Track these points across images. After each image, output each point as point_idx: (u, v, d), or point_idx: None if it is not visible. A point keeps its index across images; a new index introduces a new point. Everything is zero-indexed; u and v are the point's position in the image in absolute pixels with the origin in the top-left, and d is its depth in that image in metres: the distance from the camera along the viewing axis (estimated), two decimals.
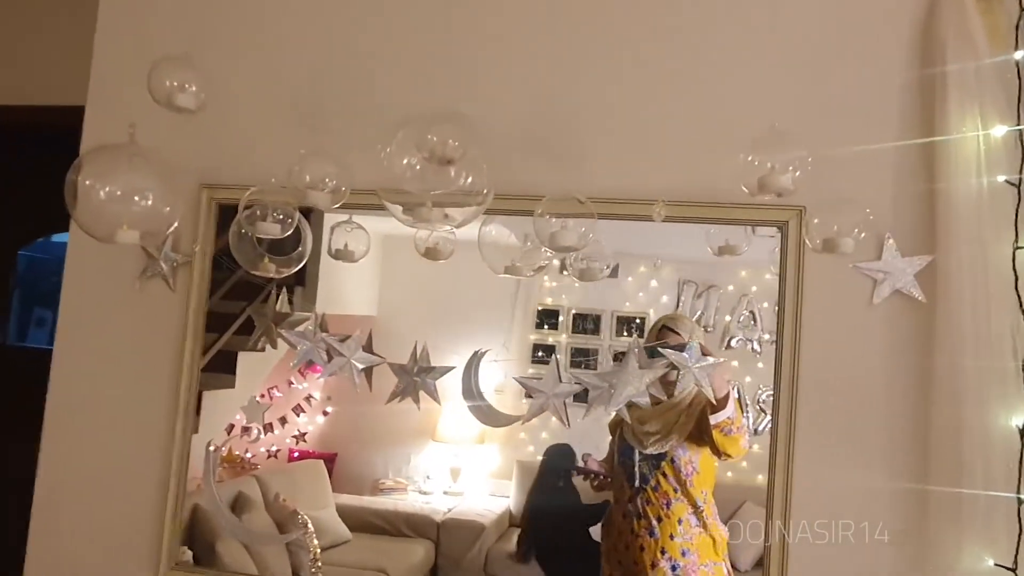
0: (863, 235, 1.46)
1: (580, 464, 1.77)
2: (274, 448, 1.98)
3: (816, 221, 1.48)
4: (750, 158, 1.41)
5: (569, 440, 1.78)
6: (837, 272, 1.61)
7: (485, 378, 1.79)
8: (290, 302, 1.86)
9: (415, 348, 1.68)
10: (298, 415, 1.99)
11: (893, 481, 1.57)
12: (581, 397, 1.57)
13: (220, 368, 1.93)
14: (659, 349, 1.51)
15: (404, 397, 1.68)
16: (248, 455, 1.94)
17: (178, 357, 1.89)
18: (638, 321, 1.79)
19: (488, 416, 1.76)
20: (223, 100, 1.66)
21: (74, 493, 1.95)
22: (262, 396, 1.93)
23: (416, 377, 1.67)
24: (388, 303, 1.94)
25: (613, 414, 1.59)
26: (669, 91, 1.74)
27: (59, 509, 1.96)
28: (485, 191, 1.44)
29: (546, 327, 1.86)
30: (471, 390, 1.76)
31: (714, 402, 1.57)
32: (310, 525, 1.88)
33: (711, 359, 1.52)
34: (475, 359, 1.78)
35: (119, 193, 1.39)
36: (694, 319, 1.73)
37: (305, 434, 2.00)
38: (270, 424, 1.94)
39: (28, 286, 5.12)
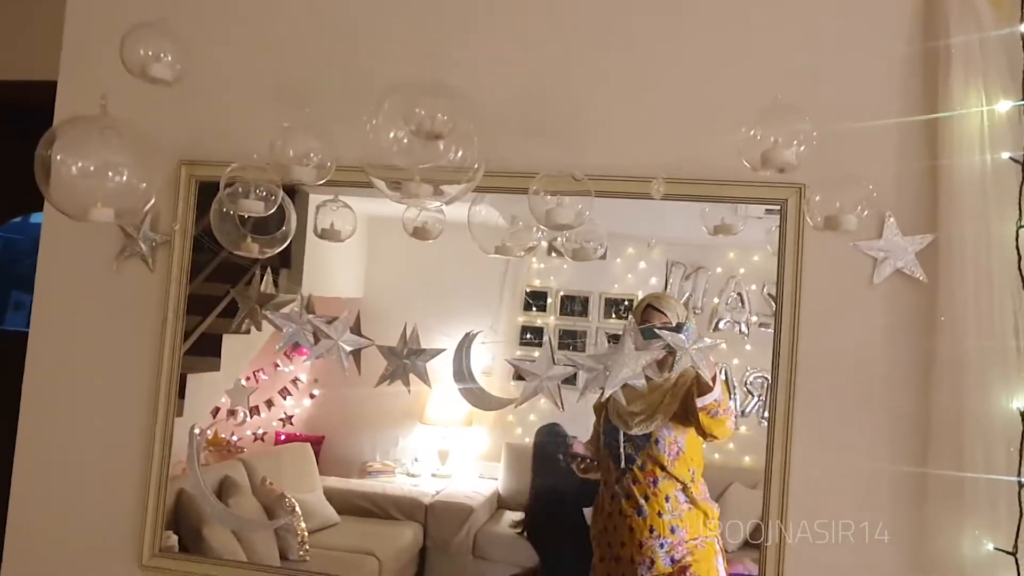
0: (866, 212, 1.43)
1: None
2: (260, 431, 1.95)
3: (818, 198, 1.44)
4: (753, 131, 1.37)
5: (560, 423, 1.76)
6: (837, 251, 1.59)
7: (474, 360, 1.76)
8: (275, 283, 1.83)
9: (404, 330, 1.65)
10: (284, 398, 1.97)
11: (894, 465, 1.56)
12: (569, 380, 1.55)
13: (204, 351, 1.90)
14: (656, 330, 1.48)
15: (394, 380, 1.66)
16: (234, 438, 1.92)
17: (159, 339, 1.86)
18: (626, 303, 1.77)
19: (480, 399, 1.73)
20: (202, 71, 1.59)
21: (54, 478, 1.93)
22: (247, 379, 1.90)
23: (406, 359, 1.65)
24: (375, 284, 1.91)
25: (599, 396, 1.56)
26: (668, 67, 1.70)
27: (39, 494, 1.94)
28: (476, 166, 1.39)
29: (534, 309, 1.83)
30: (463, 372, 1.72)
31: (709, 382, 1.55)
32: (298, 508, 1.86)
33: (707, 340, 1.51)
34: (467, 341, 1.74)
35: (92, 168, 1.33)
36: (682, 301, 1.70)
37: (292, 417, 1.97)
38: (256, 407, 1.91)
39: (4, 268, 5.02)
